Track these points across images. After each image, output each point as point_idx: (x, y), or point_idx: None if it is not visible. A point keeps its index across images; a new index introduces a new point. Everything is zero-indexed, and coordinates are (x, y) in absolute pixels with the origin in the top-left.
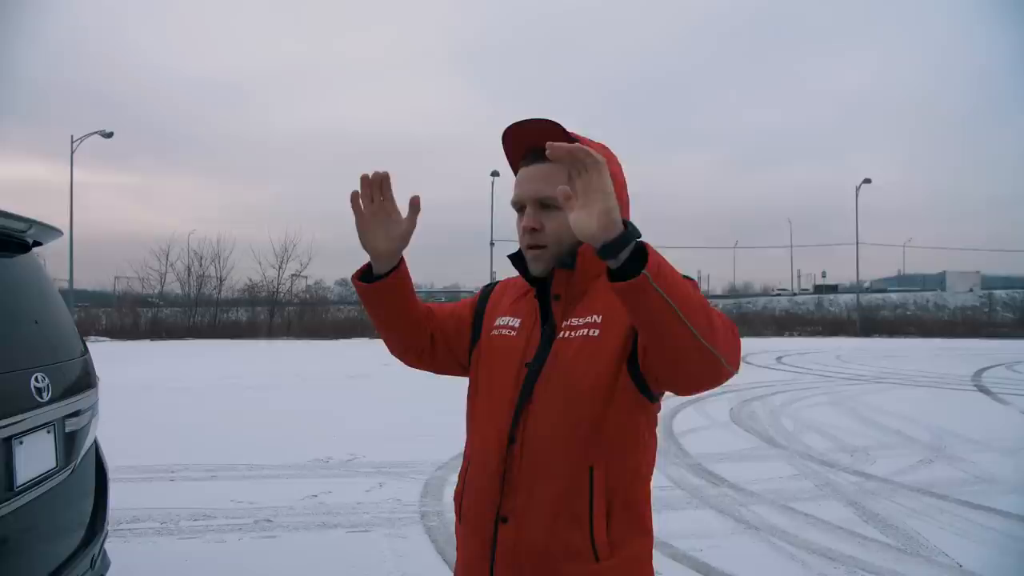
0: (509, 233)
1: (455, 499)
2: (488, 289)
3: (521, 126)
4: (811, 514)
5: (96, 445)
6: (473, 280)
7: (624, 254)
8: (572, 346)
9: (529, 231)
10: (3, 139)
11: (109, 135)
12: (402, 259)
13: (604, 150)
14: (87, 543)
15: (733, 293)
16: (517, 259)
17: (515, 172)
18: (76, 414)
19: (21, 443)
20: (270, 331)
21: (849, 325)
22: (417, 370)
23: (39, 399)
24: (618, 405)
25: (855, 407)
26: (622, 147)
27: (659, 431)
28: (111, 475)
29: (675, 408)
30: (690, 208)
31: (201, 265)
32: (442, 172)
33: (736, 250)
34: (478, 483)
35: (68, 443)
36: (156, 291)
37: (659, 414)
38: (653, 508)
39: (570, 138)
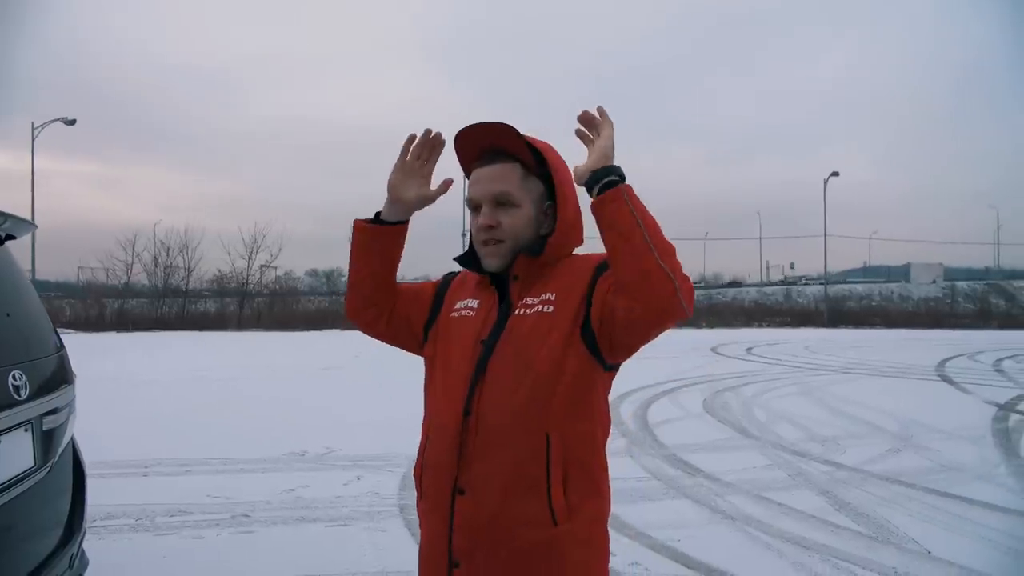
0: None
1: (415, 476)
2: (450, 276)
3: (473, 129)
4: (784, 503)
5: (73, 443)
6: (444, 271)
7: (610, 179)
8: (526, 322)
9: (486, 228)
10: None
11: (72, 122)
12: (408, 221)
13: (549, 149)
14: (65, 542)
15: (704, 284)
16: (464, 259)
17: (467, 174)
18: (54, 412)
19: (0, 442)
20: (240, 322)
21: (817, 316)
22: (368, 336)
23: (16, 397)
24: (571, 373)
25: (824, 397)
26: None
27: (634, 422)
28: (87, 472)
29: (650, 399)
30: (662, 200)
31: (168, 255)
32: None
33: (706, 241)
34: (436, 458)
35: (46, 441)
36: (122, 282)
37: (634, 407)
38: (629, 499)
39: (522, 139)
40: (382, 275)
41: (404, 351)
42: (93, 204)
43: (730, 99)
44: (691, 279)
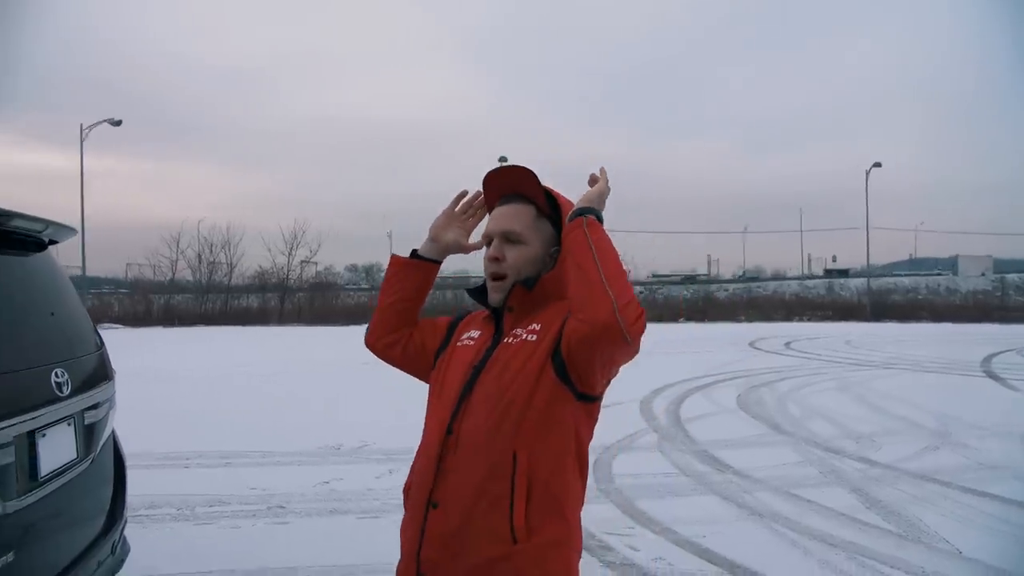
0: None
1: (404, 493)
2: (465, 312)
3: (498, 172)
4: (814, 501)
5: (114, 435)
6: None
7: (584, 215)
8: (511, 349)
9: (492, 259)
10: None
11: (118, 123)
12: (440, 263)
13: (564, 199)
14: (108, 530)
15: (743, 278)
16: (475, 292)
17: (490, 211)
18: (95, 407)
19: (44, 436)
20: (281, 317)
21: (860, 310)
22: (382, 360)
23: (59, 393)
24: (542, 399)
25: (863, 393)
26: (628, 134)
27: (666, 418)
28: (128, 463)
29: (683, 394)
30: (700, 193)
31: (212, 252)
32: (448, 158)
33: (746, 235)
34: (419, 474)
35: (87, 435)
36: (168, 278)
37: (667, 403)
38: (657, 494)
39: (539, 185)
40: (409, 306)
41: (414, 377)
42: (140, 202)
43: (768, 87)
44: (642, 309)
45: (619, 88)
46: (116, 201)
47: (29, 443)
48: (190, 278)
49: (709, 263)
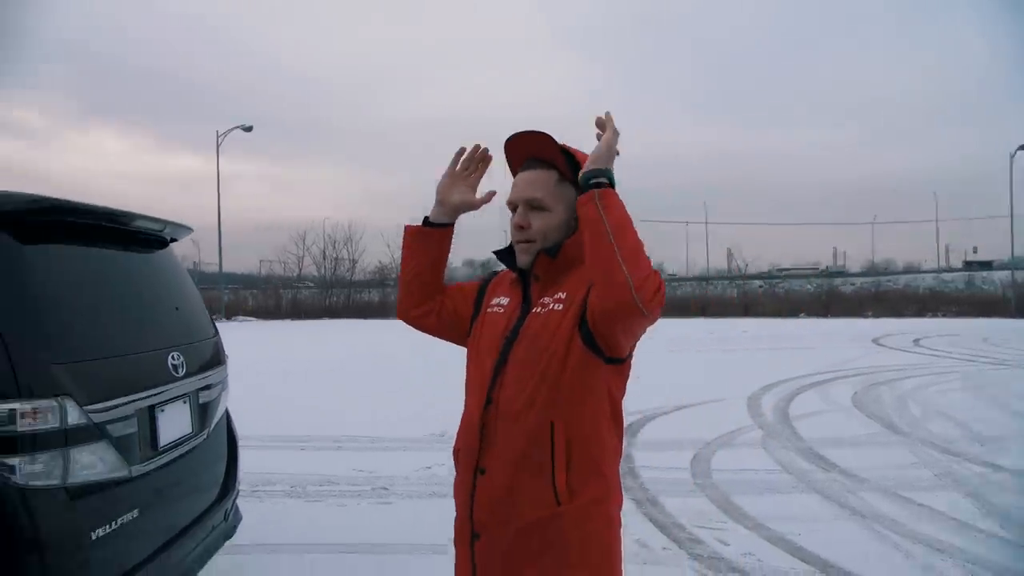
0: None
1: (453, 456)
2: (491, 275)
3: (517, 137)
4: (924, 504)
5: (227, 415)
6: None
7: (597, 180)
8: (540, 320)
9: (518, 227)
10: (160, 134)
11: (249, 129)
12: (452, 225)
13: (579, 153)
14: (221, 498)
15: (872, 271)
16: (503, 254)
17: (514, 176)
18: (208, 387)
19: (163, 411)
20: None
21: (1002, 305)
22: (419, 330)
23: (175, 374)
24: (573, 365)
25: (996, 394)
26: (743, 123)
27: (773, 415)
28: (250, 444)
29: (794, 391)
30: (824, 183)
31: (335, 249)
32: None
33: (875, 225)
34: (465, 441)
35: (202, 412)
36: (295, 273)
37: (776, 399)
38: (755, 491)
39: (558, 148)
40: (429, 274)
41: (452, 343)
42: (271, 203)
43: (897, 68)
44: (660, 279)
45: (732, 75)
46: (249, 202)
47: (150, 416)
48: (315, 273)
49: (835, 255)
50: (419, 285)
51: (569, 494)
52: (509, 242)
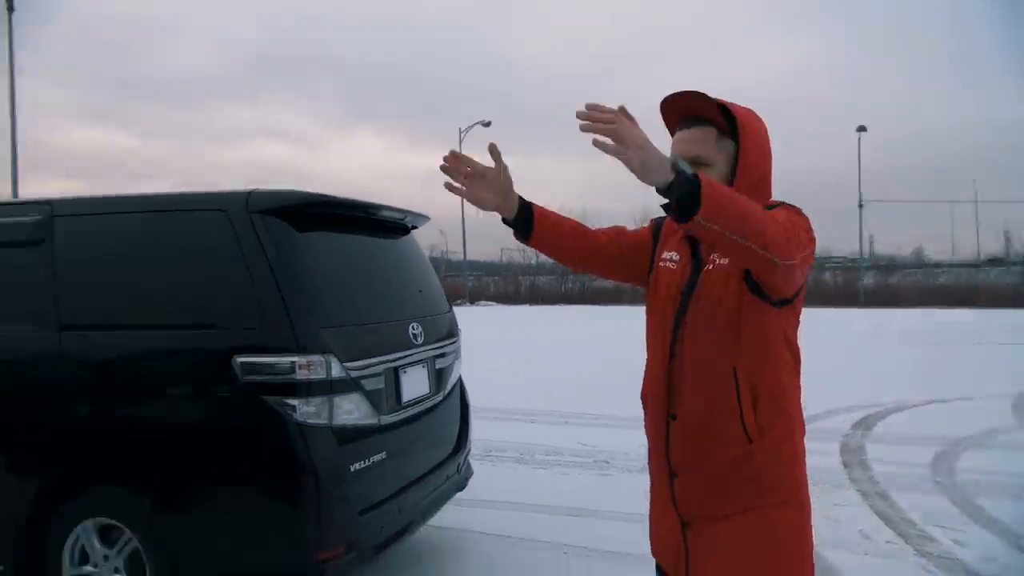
0: (881, 192)
1: (642, 400)
2: (660, 221)
3: (672, 97)
4: None
5: (460, 382)
6: (846, 245)
7: (676, 197)
8: (712, 276)
9: None
10: (405, 133)
11: (487, 124)
12: (521, 199)
13: (744, 113)
14: (455, 453)
15: None
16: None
17: (672, 136)
18: (443, 355)
19: (405, 372)
20: (633, 297)
21: None
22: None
23: (415, 342)
24: (746, 315)
25: None
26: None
27: None
28: (485, 415)
29: None
30: None
31: None
32: (802, 132)
33: None
34: (653, 390)
35: (438, 376)
36: (533, 261)
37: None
38: (1006, 493)
39: (714, 104)
40: (562, 252)
41: (630, 283)
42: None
43: None
44: (795, 225)
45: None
46: None
47: (395, 376)
48: (551, 261)
49: None
50: (569, 260)
51: (759, 432)
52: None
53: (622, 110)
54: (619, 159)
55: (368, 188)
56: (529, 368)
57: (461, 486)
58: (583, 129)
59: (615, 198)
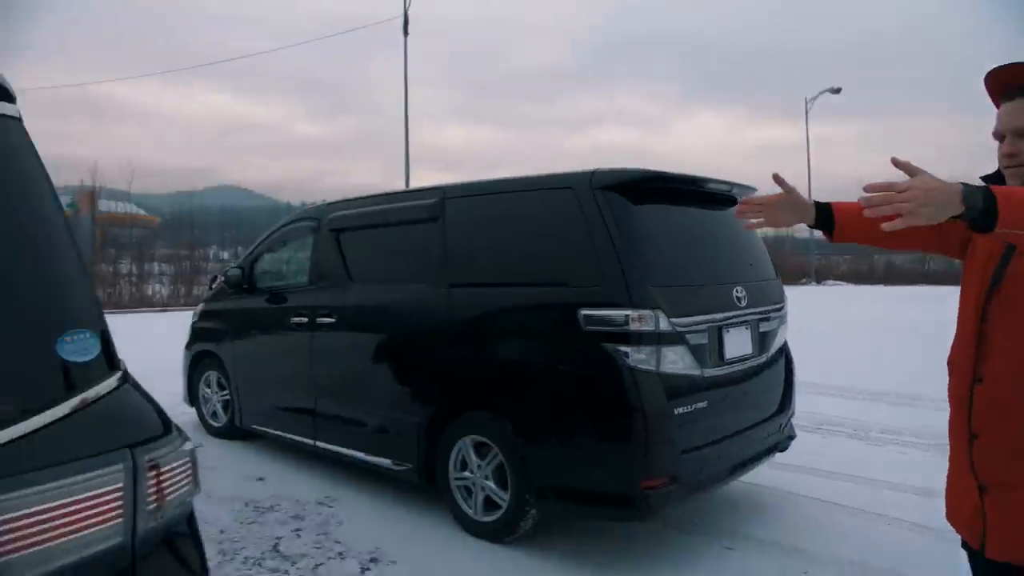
0: None
1: (948, 366)
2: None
3: (998, 69)
4: None
5: (786, 347)
6: None
7: (971, 217)
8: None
9: (1008, 155)
10: (757, 107)
11: (837, 91)
12: (817, 203)
13: None
14: (777, 414)
15: None
16: (991, 178)
17: (997, 107)
18: (767, 319)
19: (728, 331)
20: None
21: None
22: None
23: (739, 304)
24: None
25: None
26: None
27: None
28: (824, 391)
29: None
30: None
31: None
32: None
33: None
34: (960, 355)
35: (761, 339)
36: None
37: None
38: None
39: None
40: (873, 235)
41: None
42: (862, 162)
43: None
44: None
45: None
46: (837, 167)
47: (718, 334)
48: None
49: None
50: (879, 238)
51: None
52: (996, 168)
53: (907, 168)
54: (918, 223)
55: (711, 165)
56: (878, 347)
57: (783, 447)
58: (869, 216)
59: (975, 157)
